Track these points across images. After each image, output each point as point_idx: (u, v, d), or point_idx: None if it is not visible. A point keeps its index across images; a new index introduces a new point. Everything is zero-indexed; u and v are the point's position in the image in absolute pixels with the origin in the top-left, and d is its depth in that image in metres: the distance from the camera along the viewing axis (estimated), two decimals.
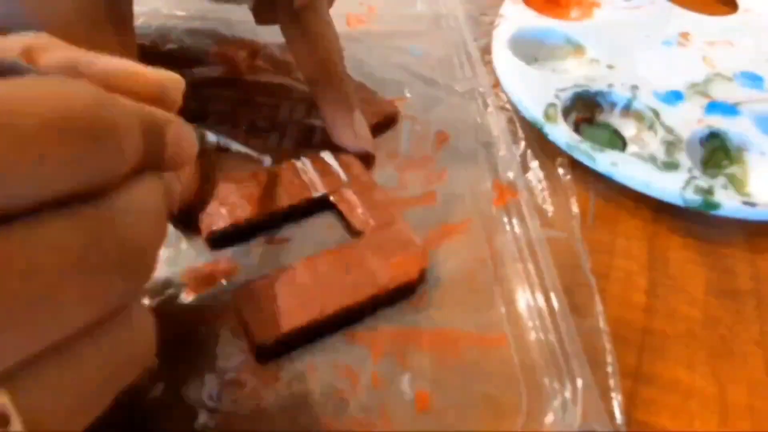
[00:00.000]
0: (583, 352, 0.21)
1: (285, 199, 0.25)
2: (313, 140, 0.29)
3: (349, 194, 0.26)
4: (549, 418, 0.20)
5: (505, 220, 0.26)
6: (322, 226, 0.26)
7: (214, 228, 0.24)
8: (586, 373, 0.21)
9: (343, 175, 0.26)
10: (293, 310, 0.21)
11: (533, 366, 0.21)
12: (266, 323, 0.21)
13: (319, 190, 0.26)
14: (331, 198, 0.26)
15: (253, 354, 0.21)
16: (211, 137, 0.19)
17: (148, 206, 0.14)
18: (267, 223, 0.25)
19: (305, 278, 0.22)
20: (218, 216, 0.24)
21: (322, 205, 0.26)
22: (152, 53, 0.32)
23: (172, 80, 0.17)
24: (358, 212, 0.25)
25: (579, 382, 0.21)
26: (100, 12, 0.22)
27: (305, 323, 0.21)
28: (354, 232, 0.25)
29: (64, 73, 0.15)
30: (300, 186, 0.26)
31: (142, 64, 0.23)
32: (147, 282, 0.14)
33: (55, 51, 0.16)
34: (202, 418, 0.20)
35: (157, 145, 0.15)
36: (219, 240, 0.24)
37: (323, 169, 0.26)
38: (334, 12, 0.28)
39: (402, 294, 0.23)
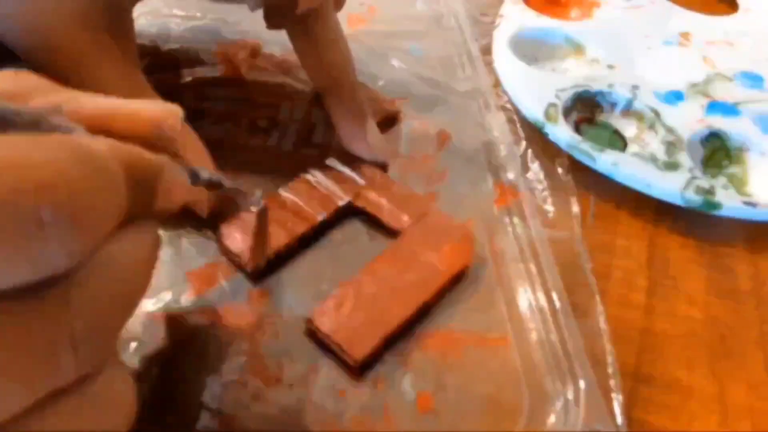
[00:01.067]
0: (585, 353, 0.21)
1: (315, 215, 0.24)
2: (314, 140, 0.29)
3: (373, 195, 0.25)
4: (551, 419, 0.20)
5: (507, 220, 0.26)
6: (351, 233, 0.25)
7: (259, 260, 0.23)
8: (589, 373, 0.21)
9: (358, 179, 0.26)
10: (376, 319, 0.21)
11: (535, 367, 0.21)
12: (357, 339, 0.21)
13: (342, 197, 0.25)
14: (357, 203, 0.25)
15: (350, 369, 0.21)
16: (204, 174, 0.18)
17: (126, 266, 0.13)
18: (302, 243, 0.24)
19: (372, 287, 0.22)
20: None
21: (347, 212, 0.25)
22: (153, 53, 0.32)
23: (168, 114, 0.16)
24: (388, 211, 0.25)
25: (581, 383, 0.21)
26: (99, 18, 0.22)
27: (394, 328, 0.21)
28: (391, 231, 0.24)
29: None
30: (321, 198, 0.25)
31: (143, 71, 0.23)
32: (112, 345, 0.13)
33: (39, 96, 0.14)
34: (204, 419, 0.20)
35: (148, 195, 0.14)
36: (262, 272, 0.23)
37: (337, 177, 0.26)
38: None
39: (460, 277, 0.23)
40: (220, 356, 0.21)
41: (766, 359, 0.23)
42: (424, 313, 0.22)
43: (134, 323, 0.21)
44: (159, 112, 0.15)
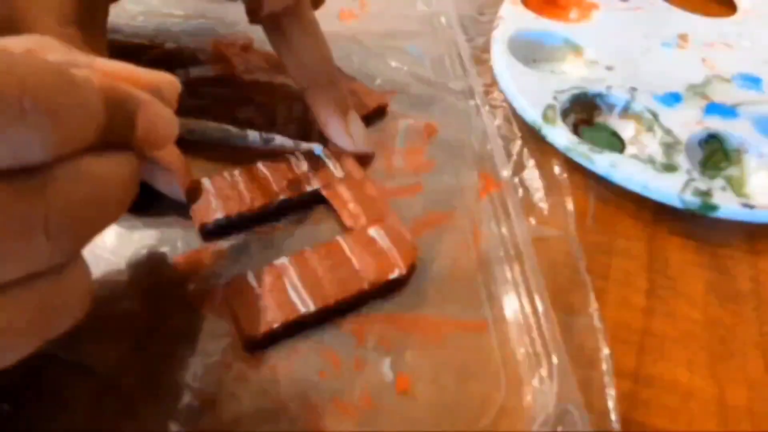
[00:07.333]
0: (576, 347, 0.22)
1: (278, 192, 0.25)
2: (311, 138, 0.29)
3: (342, 189, 0.26)
4: (527, 399, 0.20)
5: (490, 210, 0.26)
6: (314, 220, 0.26)
7: (206, 220, 0.24)
8: (561, 352, 0.21)
9: (336, 171, 0.27)
10: (282, 304, 0.21)
11: (512, 349, 0.22)
12: (256, 317, 0.21)
13: (312, 184, 0.26)
14: (324, 193, 0.26)
15: (242, 344, 0.21)
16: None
17: (101, 179, 0.15)
18: (259, 216, 0.25)
19: (295, 274, 0.22)
20: (211, 208, 0.24)
21: (315, 199, 0.26)
22: (150, 52, 0.32)
23: (166, 82, 0.18)
24: (350, 207, 0.25)
25: (554, 359, 0.21)
26: (73, 13, 0.23)
27: (293, 318, 0.21)
28: (345, 227, 0.25)
29: None
30: (293, 180, 0.26)
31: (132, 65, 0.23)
32: (85, 246, 0.15)
33: (55, 52, 0.16)
34: (186, 398, 0.20)
35: (126, 123, 0.16)
36: (211, 231, 0.24)
37: (317, 164, 0.27)
38: (324, 8, 0.28)
39: (391, 288, 0.23)
40: (204, 338, 0.21)
41: (765, 360, 0.23)
42: (341, 311, 0.22)
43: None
44: (157, 78, 0.18)
